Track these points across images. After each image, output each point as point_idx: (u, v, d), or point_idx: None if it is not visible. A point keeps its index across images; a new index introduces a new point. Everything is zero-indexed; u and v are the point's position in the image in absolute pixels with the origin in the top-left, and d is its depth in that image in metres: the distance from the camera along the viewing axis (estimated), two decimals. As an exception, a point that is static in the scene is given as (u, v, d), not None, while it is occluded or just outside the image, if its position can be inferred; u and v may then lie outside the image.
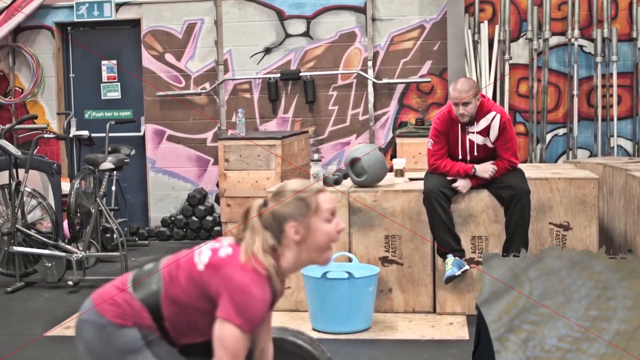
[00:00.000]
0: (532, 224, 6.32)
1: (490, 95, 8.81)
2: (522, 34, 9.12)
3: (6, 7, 9.67)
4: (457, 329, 6.02)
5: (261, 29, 9.50)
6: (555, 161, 9.14)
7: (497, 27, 9.08)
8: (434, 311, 6.41)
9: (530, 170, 6.99)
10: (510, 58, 9.06)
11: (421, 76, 9.27)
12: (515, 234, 6.13)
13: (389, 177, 6.82)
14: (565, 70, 9.09)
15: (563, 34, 9.06)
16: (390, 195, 6.38)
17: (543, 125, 9.10)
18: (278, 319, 6.06)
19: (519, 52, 9.13)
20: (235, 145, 8.07)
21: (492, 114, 6.21)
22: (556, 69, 9.11)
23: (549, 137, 9.16)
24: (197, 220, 9.55)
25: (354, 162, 6.45)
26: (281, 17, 9.49)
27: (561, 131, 9.17)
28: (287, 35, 9.50)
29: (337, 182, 6.66)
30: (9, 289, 7.40)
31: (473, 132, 6.25)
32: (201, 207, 9.54)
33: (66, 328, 6.17)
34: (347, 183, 6.69)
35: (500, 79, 9.04)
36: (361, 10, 9.34)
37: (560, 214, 6.58)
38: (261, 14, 9.50)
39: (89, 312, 3.03)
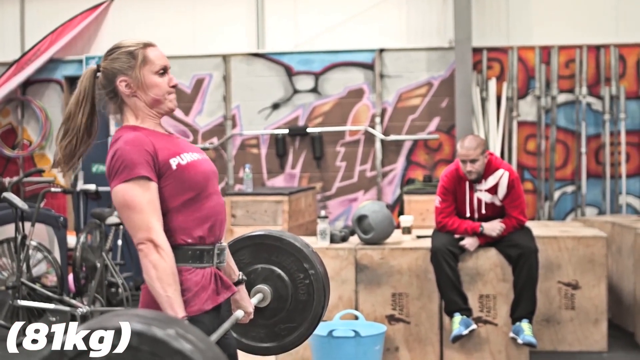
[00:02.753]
0: (541, 282, 6.28)
1: (498, 152, 8.80)
2: (529, 91, 9.14)
3: (16, 61, 9.73)
4: (464, 389, 5.95)
5: (269, 85, 9.53)
6: (564, 219, 9.10)
7: (505, 84, 9.10)
8: (441, 370, 6.34)
9: (538, 228, 6.95)
10: (518, 115, 9.06)
11: (429, 133, 9.27)
12: (523, 292, 6.08)
13: (396, 235, 6.79)
14: (574, 127, 9.08)
15: (571, 91, 9.07)
16: (397, 252, 6.34)
17: (551, 183, 9.08)
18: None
19: (527, 109, 9.13)
20: (243, 200, 8.06)
21: (500, 171, 6.19)
22: (564, 126, 9.11)
23: (557, 194, 9.13)
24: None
25: (361, 219, 6.42)
26: (289, 73, 9.53)
27: (569, 189, 9.14)
28: (295, 91, 9.53)
29: (344, 239, 6.62)
30: (12, 343, 7.34)
31: (481, 190, 6.23)
32: (207, 262, 9.48)
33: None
34: (354, 240, 6.66)
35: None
36: (369, 66, 9.37)
37: (569, 272, 6.54)
38: (270, 70, 9.54)
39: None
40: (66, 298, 7.58)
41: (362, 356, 5.77)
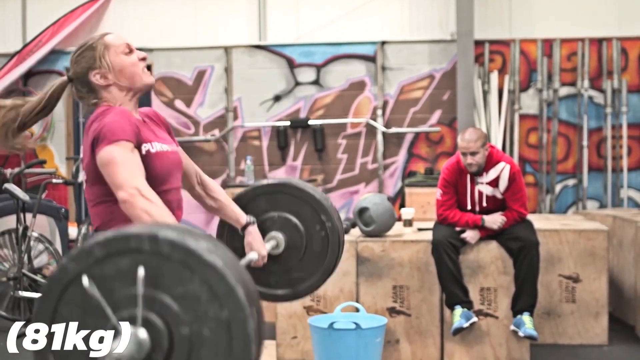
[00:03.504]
0: (542, 275, 6.27)
1: (499, 145, 8.80)
2: (531, 84, 9.13)
3: (18, 52, 9.73)
4: (464, 382, 5.95)
5: (271, 77, 9.52)
6: (565, 212, 9.10)
7: (506, 77, 9.09)
8: (442, 363, 6.34)
9: (539, 221, 6.94)
10: (520, 108, 9.06)
11: (430, 125, 9.27)
12: (524, 285, 6.06)
13: (398, 227, 6.78)
14: (575, 121, 9.08)
15: (573, 84, 9.07)
16: (398, 245, 6.33)
17: (553, 176, 9.08)
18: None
19: (529, 102, 9.12)
20: (244, 192, 8.04)
21: (501, 164, 6.18)
22: (566, 119, 9.11)
23: (558, 187, 9.13)
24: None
25: (362, 211, 6.42)
26: (291, 65, 9.52)
27: (571, 182, 9.14)
28: (297, 83, 9.53)
29: (345, 232, 6.60)
30: (13, 334, 7.34)
31: (482, 183, 6.22)
32: (208, 254, 9.47)
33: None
34: (355, 232, 6.65)
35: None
36: (371, 59, 9.36)
37: (570, 265, 6.53)
38: (271, 62, 9.54)
39: None
40: (67, 289, 7.57)
41: (362, 348, 5.77)
